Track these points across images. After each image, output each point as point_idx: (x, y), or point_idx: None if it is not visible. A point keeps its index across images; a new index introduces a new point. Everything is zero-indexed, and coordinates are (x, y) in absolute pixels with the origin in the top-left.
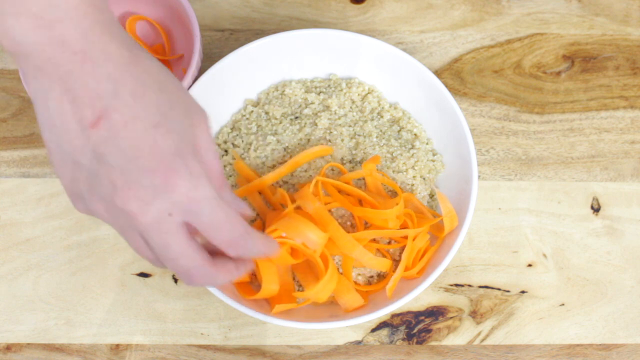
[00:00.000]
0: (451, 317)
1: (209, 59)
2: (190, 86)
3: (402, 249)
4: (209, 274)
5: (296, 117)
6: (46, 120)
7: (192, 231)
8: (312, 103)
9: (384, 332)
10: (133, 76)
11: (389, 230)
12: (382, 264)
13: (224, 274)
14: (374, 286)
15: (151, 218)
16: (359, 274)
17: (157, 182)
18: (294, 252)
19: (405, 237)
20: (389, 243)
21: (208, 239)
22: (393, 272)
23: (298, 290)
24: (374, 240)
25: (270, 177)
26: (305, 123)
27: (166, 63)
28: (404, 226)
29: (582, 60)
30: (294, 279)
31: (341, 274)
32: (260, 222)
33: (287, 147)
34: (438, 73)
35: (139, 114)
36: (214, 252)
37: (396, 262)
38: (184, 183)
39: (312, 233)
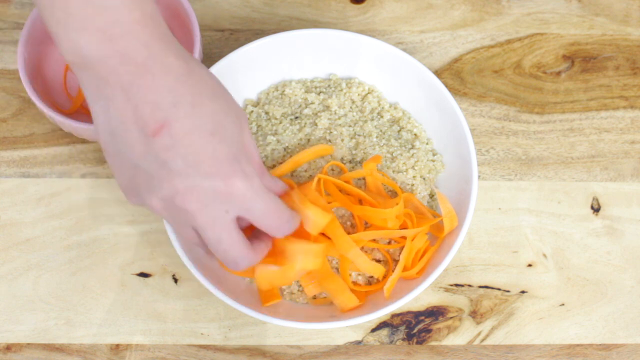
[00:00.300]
0: (451, 317)
1: (209, 59)
2: None
3: (402, 249)
4: (251, 259)
5: (296, 117)
6: (105, 126)
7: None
8: (312, 103)
9: (384, 332)
10: (190, 86)
11: (387, 230)
12: (375, 269)
13: (259, 255)
14: (373, 286)
15: (209, 217)
16: (359, 274)
17: (216, 186)
18: None
19: (405, 237)
20: (389, 243)
21: (258, 226)
22: (392, 273)
23: (298, 289)
24: (373, 240)
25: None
26: (305, 123)
27: None
28: (403, 226)
29: (582, 60)
30: None
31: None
32: None
33: (287, 147)
34: (438, 73)
35: (198, 123)
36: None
37: (396, 262)
38: (240, 184)
39: (311, 212)
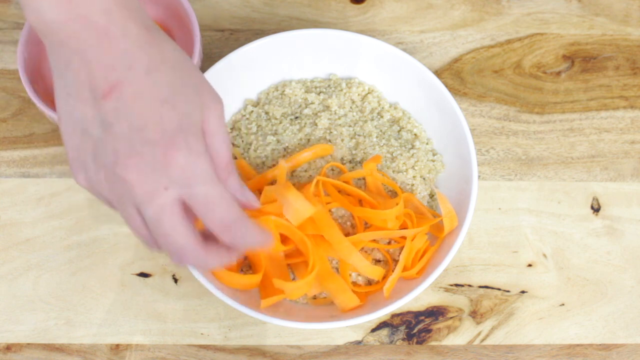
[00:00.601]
0: (451, 317)
1: (209, 59)
2: None
3: (402, 249)
4: (200, 255)
5: (296, 117)
6: (62, 90)
7: (188, 213)
8: (312, 103)
9: (384, 332)
10: (148, 54)
11: (386, 231)
12: (375, 272)
13: (215, 258)
14: (373, 286)
15: (147, 189)
16: (359, 275)
17: (157, 155)
18: (283, 239)
19: (405, 237)
20: (389, 243)
21: (201, 218)
22: (392, 273)
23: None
24: (374, 240)
25: (270, 174)
26: (305, 123)
27: None
28: (403, 226)
29: (582, 60)
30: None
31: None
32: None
33: (287, 147)
34: (438, 73)
35: (149, 89)
36: (208, 237)
37: (396, 262)
38: (181, 158)
39: (293, 197)
